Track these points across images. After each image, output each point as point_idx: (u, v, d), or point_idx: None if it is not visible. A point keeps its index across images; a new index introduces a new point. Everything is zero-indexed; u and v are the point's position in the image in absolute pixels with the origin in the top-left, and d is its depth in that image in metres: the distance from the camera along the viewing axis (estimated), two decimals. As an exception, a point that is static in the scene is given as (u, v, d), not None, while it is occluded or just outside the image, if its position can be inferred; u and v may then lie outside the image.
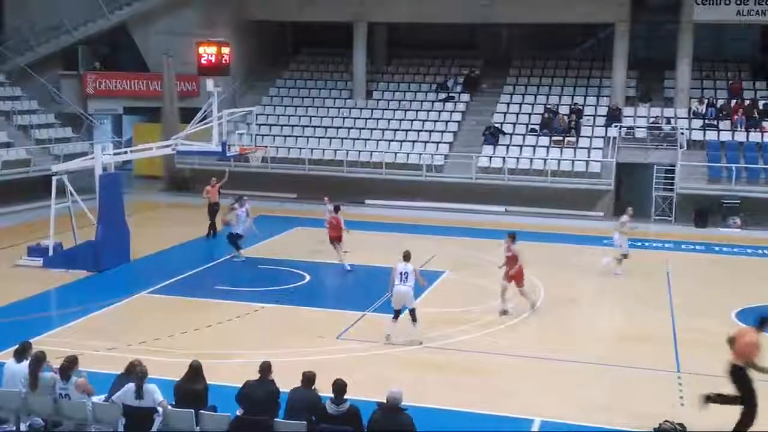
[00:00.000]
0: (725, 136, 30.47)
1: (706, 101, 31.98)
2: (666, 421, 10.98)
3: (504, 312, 17.16)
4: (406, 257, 15.65)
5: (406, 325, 15.43)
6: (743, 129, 30.53)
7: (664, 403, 12.49)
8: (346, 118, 34.49)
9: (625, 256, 21.14)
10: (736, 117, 30.89)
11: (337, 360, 14.30)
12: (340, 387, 9.63)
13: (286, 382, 10.32)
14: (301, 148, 32.83)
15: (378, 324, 16.33)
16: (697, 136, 30.67)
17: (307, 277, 20.37)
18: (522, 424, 11.87)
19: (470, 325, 16.56)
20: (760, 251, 24.53)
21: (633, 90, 33.71)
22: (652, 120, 31.66)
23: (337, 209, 21.50)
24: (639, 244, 25.19)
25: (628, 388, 13.58)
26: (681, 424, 10.78)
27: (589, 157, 30.57)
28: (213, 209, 24.51)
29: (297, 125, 34.45)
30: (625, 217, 21.33)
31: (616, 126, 31.14)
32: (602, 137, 31.28)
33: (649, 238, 26.19)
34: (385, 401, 9.41)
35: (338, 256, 21.09)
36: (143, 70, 35.71)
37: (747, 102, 31.76)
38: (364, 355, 14.70)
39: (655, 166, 29.53)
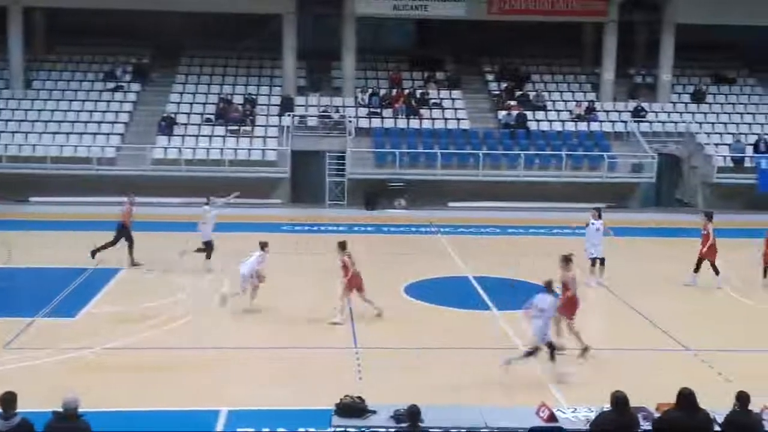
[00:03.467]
0: (389, 124, 32.60)
1: (370, 91, 33.97)
2: (347, 395, 11.52)
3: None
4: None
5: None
6: (404, 116, 32.88)
7: (345, 378, 13.14)
8: (3, 109, 31.77)
9: (601, 261, 19.73)
10: (397, 105, 33.18)
11: (8, 371, 13.19)
12: (8, 400, 8.89)
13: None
14: (-50, 143, 29.70)
15: (51, 329, 15.33)
16: (364, 123, 32.48)
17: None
18: (209, 416, 11.83)
19: (153, 321, 16.13)
20: (422, 229, 26.63)
21: (303, 80, 34.81)
22: (322, 109, 32.98)
23: None
24: (315, 228, 26.20)
25: (311, 367, 14.09)
26: (359, 397, 11.38)
27: (265, 145, 31.12)
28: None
29: (-56, 118, 31.09)
30: (592, 220, 19.97)
31: (289, 115, 32.02)
32: (277, 126, 32.00)
33: (324, 222, 27.32)
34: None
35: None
36: None
37: (406, 91, 34.23)
38: (38, 363, 13.72)
39: (327, 153, 30.85)
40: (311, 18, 35.79)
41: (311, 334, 15.92)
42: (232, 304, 16.99)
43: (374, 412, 11.03)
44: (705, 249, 19.52)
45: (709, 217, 19.96)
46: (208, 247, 20.16)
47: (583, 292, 17.92)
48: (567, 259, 14.74)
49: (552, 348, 13.41)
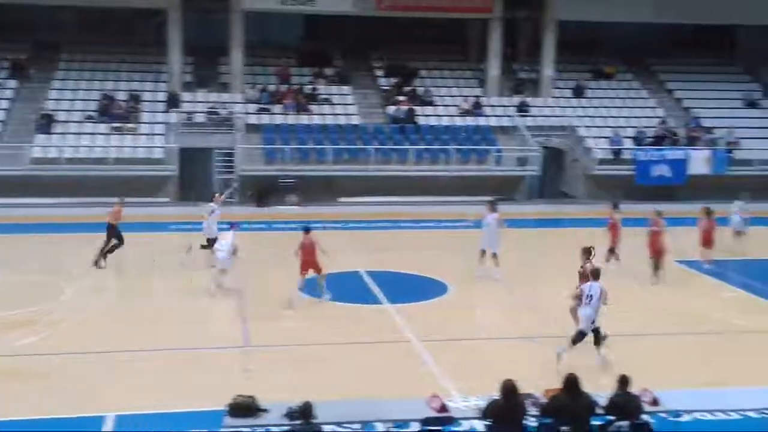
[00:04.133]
0: (278, 120, 32.34)
1: (259, 86, 33.62)
2: (239, 395, 11.39)
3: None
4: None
5: None
6: (294, 112, 32.69)
7: (236, 378, 12.97)
8: None
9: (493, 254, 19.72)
10: (286, 101, 32.95)
11: None
12: None
13: None
14: None
15: None
16: (253, 120, 32.11)
17: None
18: (95, 422, 11.47)
19: (30, 327, 15.51)
20: (314, 225, 26.48)
21: (190, 76, 34.15)
22: (210, 105, 32.41)
23: None
24: (204, 226, 25.69)
25: (202, 368, 13.85)
26: (252, 396, 11.27)
27: (151, 143, 30.37)
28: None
29: None
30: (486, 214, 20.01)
31: (175, 112, 31.33)
32: (163, 123, 31.29)
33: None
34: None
35: None
36: None
37: (296, 87, 34.04)
38: None
39: (216, 150, 30.39)
40: (197, 12, 35.11)
41: (200, 334, 15.66)
42: (221, 285, 17.81)
43: (267, 410, 10.96)
44: (614, 238, 20.21)
45: (616, 206, 20.61)
46: (209, 244, 20.48)
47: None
48: (586, 252, 15.42)
49: (598, 334, 13.69)
